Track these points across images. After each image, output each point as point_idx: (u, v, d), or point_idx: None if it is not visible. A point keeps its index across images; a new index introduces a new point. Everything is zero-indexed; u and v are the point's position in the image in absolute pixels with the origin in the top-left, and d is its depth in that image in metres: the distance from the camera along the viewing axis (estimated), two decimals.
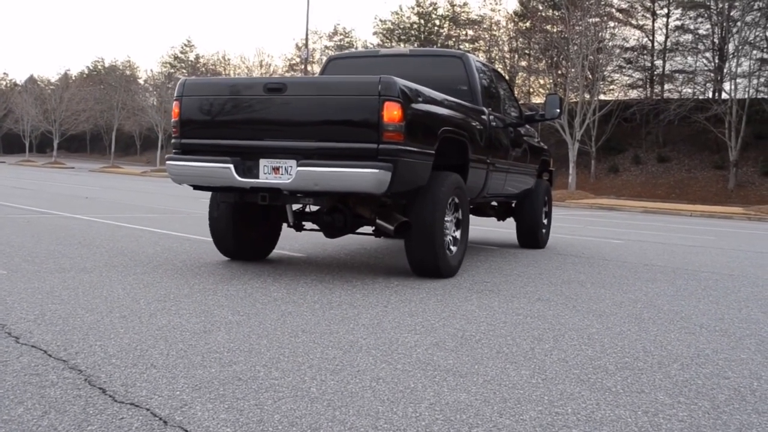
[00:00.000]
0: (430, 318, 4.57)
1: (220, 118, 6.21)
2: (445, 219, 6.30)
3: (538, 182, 9.67)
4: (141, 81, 78.93)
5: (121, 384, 3.04)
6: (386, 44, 64.47)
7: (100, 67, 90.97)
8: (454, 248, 6.50)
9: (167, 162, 6.28)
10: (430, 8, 62.79)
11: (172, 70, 78.32)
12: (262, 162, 5.92)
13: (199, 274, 5.99)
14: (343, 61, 8.71)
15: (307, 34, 44.08)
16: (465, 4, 68.21)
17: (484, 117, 7.60)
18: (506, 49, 53.62)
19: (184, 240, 8.64)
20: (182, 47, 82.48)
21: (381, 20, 64.96)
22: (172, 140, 6.38)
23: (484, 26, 57.73)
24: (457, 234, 6.62)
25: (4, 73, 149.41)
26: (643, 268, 7.80)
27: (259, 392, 3.00)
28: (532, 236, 9.42)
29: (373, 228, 6.60)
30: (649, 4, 50.66)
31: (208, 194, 6.99)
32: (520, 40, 51.91)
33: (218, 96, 6.27)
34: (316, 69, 67.43)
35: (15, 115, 69.38)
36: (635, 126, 46.54)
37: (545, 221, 9.77)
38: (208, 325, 4.14)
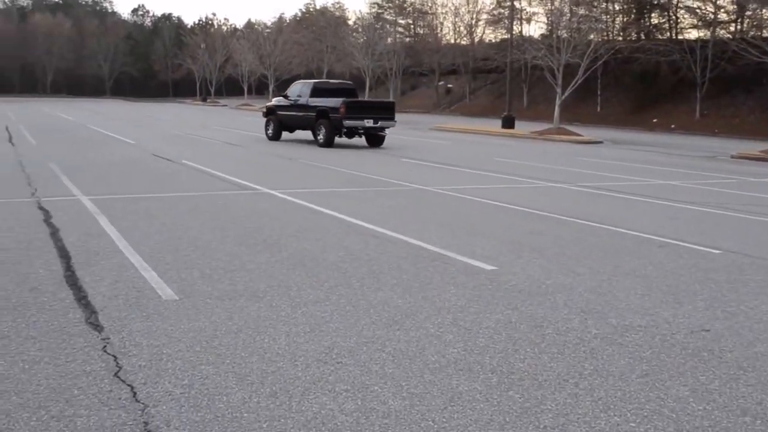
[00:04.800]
0: (629, 411, 3.71)
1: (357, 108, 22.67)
2: None
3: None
4: (350, 23, 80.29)
5: None
6: None
7: (312, 9, 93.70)
8: None
9: (345, 121, 21.65)
10: None
11: (380, 11, 78.93)
12: (365, 120, 22.01)
13: (353, 305, 5.45)
14: (322, 84, 24.92)
15: None
16: None
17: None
18: None
19: (371, 237, 8.13)
20: None
21: None
22: (344, 115, 21.59)
23: None
24: None
25: (225, 19, 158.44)
26: None
27: None
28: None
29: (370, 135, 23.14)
30: None
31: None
32: None
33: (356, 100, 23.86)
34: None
35: (234, 60, 73.24)
36: None
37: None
38: (361, 419, 3.58)
